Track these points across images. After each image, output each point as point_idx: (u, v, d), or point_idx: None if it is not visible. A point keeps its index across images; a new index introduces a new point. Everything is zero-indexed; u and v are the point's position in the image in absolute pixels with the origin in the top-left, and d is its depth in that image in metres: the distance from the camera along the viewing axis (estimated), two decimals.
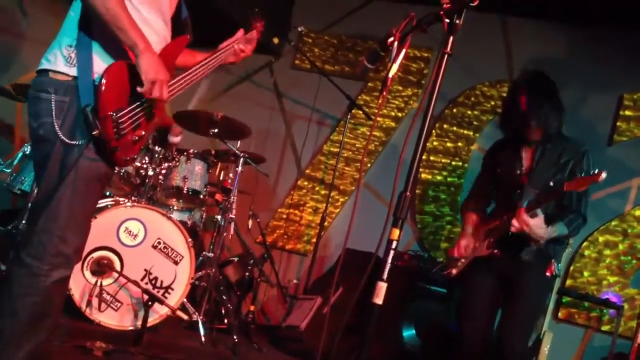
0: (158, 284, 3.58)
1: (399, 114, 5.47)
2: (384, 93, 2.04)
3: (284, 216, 5.59)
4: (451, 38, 1.91)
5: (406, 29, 2.05)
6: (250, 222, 4.72)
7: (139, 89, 2.02)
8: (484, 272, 3.17)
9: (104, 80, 1.94)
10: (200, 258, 4.21)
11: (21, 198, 4.29)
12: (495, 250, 3.11)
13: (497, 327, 3.21)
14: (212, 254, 4.13)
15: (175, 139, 3.94)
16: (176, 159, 4.16)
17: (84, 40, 2.02)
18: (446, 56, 1.91)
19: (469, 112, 5.26)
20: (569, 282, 4.64)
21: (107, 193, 4.01)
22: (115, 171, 3.71)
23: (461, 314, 3.33)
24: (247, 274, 4.63)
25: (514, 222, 2.93)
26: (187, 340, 3.65)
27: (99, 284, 3.35)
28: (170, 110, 4.52)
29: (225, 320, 3.95)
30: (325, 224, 4.97)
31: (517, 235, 2.96)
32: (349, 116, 4.94)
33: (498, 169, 3.31)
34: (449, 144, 5.27)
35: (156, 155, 4.00)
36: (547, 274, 3.09)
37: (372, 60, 2.23)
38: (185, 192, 4.22)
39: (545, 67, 3.21)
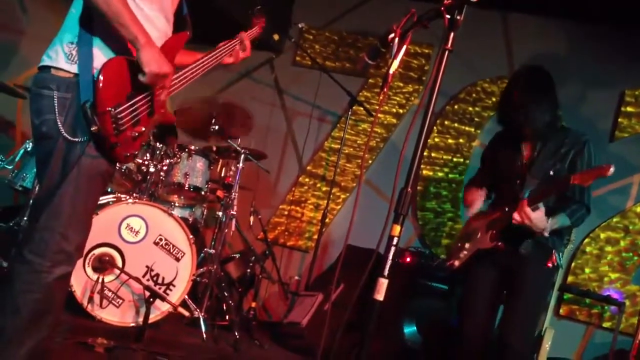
0: (159, 281, 3.58)
1: (400, 111, 5.47)
2: (385, 89, 2.03)
3: (285, 213, 5.59)
4: (452, 34, 1.91)
5: (407, 25, 2.04)
6: (251, 219, 4.72)
7: (140, 77, 2.02)
8: (486, 266, 3.16)
9: (101, 76, 1.94)
10: (202, 254, 4.22)
11: (23, 195, 4.30)
12: (499, 243, 3.10)
13: (499, 324, 3.21)
14: (214, 251, 4.14)
15: None
16: (177, 156, 4.16)
17: (85, 37, 2.02)
18: (447, 52, 1.91)
19: (470, 108, 5.26)
20: (570, 278, 4.64)
21: (109, 190, 4.01)
22: (117, 168, 3.72)
23: (462, 310, 3.33)
24: (248, 270, 4.64)
25: (515, 215, 2.92)
26: (189, 337, 3.65)
27: (100, 280, 3.35)
28: (171, 107, 4.52)
29: (227, 317, 3.96)
30: (327, 220, 4.98)
31: (519, 227, 2.95)
32: (349, 113, 4.94)
33: (498, 162, 3.29)
34: (450, 141, 5.26)
35: (157, 152, 4.00)
36: (549, 264, 3.09)
37: (373, 57, 2.23)
38: (186, 188, 4.22)
39: (546, 64, 3.20)
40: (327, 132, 5.65)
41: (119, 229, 3.48)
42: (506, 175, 3.23)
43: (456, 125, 5.27)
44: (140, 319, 3.38)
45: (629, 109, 4.80)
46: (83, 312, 3.31)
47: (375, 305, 1.86)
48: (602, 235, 4.65)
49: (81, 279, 3.34)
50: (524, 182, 3.07)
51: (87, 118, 1.93)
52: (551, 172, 3.04)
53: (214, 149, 4.52)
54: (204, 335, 3.60)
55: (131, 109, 2.04)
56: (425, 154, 5.27)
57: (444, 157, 5.25)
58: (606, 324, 4.48)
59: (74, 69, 2.00)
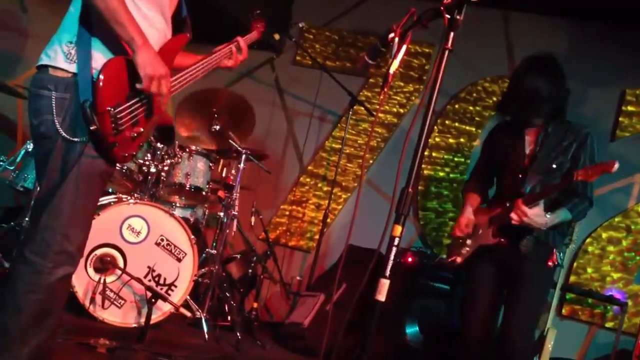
0: (161, 281, 3.58)
1: (401, 110, 5.47)
2: (385, 89, 2.03)
3: (287, 213, 5.59)
4: (452, 34, 1.90)
5: (407, 25, 2.04)
6: (252, 219, 4.72)
7: (137, 86, 2.02)
8: (488, 263, 3.14)
9: (101, 76, 1.94)
10: (203, 255, 4.22)
11: (24, 195, 4.31)
12: (502, 239, 3.08)
13: (500, 323, 3.20)
14: (215, 251, 4.14)
15: None
16: (178, 156, 4.16)
17: (85, 36, 2.02)
18: (447, 52, 1.90)
19: (471, 107, 5.26)
20: (572, 278, 4.63)
21: (110, 190, 4.01)
22: (117, 168, 3.72)
23: (463, 310, 3.31)
24: (250, 270, 4.64)
25: (513, 215, 2.90)
26: (191, 338, 3.65)
27: (102, 281, 3.35)
28: (172, 107, 4.52)
29: (229, 317, 3.96)
30: (328, 220, 4.98)
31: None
32: (350, 112, 4.94)
33: (499, 154, 3.26)
34: (451, 140, 5.26)
35: (158, 152, 4.00)
36: (549, 264, 3.08)
37: (373, 56, 2.23)
38: (187, 189, 4.22)
39: None
40: (327, 131, 5.65)
41: (120, 230, 3.48)
42: (507, 168, 3.20)
43: (457, 124, 5.27)
44: (142, 320, 3.38)
45: (629, 108, 4.80)
46: (85, 313, 3.32)
47: (377, 305, 1.86)
48: (604, 235, 4.64)
49: (83, 280, 3.34)
50: (525, 176, 3.06)
51: (86, 117, 1.93)
52: (554, 166, 3.02)
53: (215, 149, 4.52)
54: (206, 336, 3.60)
55: (130, 110, 2.04)
56: (426, 153, 5.26)
57: (445, 156, 5.25)
58: (609, 324, 4.47)
59: (72, 68, 2.00)
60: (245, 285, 4.64)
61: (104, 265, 3.40)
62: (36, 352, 2.00)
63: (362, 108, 4.98)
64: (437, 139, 5.30)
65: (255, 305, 4.44)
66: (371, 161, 5.43)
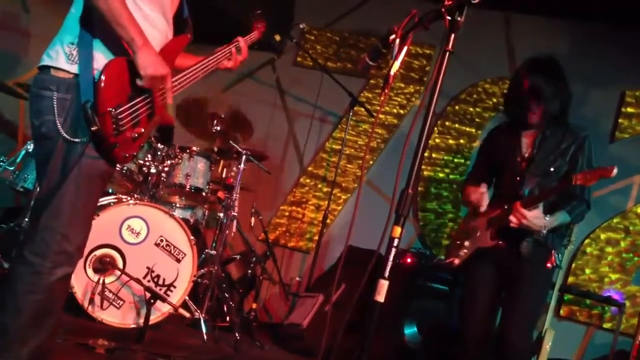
0: (160, 282, 3.58)
1: (401, 111, 5.47)
2: (386, 90, 2.03)
3: (286, 214, 5.59)
4: (452, 35, 1.90)
5: (408, 26, 2.04)
6: (252, 220, 4.72)
7: (138, 82, 2.03)
8: (486, 265, 3.15)
9: (102, 77, 1.94)
10: (203, 256, 4.22)
11: (24, 196, 4.30)
12: (500, 242, 3.09)
13: (498, 324, 3.20)
14: (215, 252, 4.14)
15: None
16: (179, 157, 4.16)
17: (86, 37, 2.02)
18: (447, 53, 1.91)
19: (471, 109, 5.26)
20: (570, 279, 4.63)
21: (110, 191, 4.01)
22: (117, 168, 3.72)
23: (462, 311, 3.32)
24: (249, 271, 4.64)
25: (512, 218, 2.91)
26: (190, 338, 3.65)
27: (101, 281, 3.35)
28: (172, 108, 4.51)
29: (228, 318, 3.96)
30: (328, 221, 4.98)
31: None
32: (351, 113, 4.94)
33: (497, 157, 3.27)
34: (451, 141, 5.27)
35: (159, 153, 4.01)
36: (548, 265, 3.08)
37: (374, 57, 2.23)
38: (187, 189, 4.22)
39: None
40: (328, 132, 5.65)
41: (119, 230, 3.49)
42: (505, 170, 3.20)
43: (457, 126, 5.28)
44: (141, 320, 3.38)
45: (629, 109, 4.80)
46: (84, 314, 3.32)
47: (376, 306, 1.86)
48: (603, 236, 4.64)
49: (82, 280, 3.34)
50: (523, 178, 3.06)
51: (88, 118, 1.94)
52: (552, 169, 3.03)
53: (216, 149, 4.53)
54: (205, 337, 3.60)
55: (131, 110, 2.04)
56: (426, 154, 5.27)
57: (445, 157, 5.25)
58: (606, 325, 4.47)
59: (74, 69, 2.01)
60: (244, 286, 4.64)
61: (103, 266, 3.40)
62: (35, 352, 2.00)
63: (363, 109, 4.99)
64: (437, 140, 5.30)
65: (254, 306, 4.43)
66: (371, 162, 5.44)
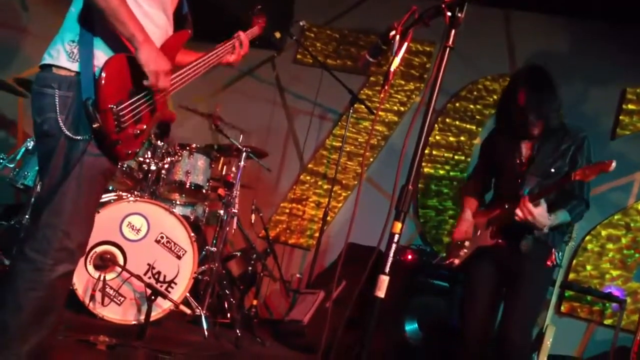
0: (161, 279, 3.58)
1: (402, 108, 5.47)
2: (386, 87, 2.03)
3: (287, 211, 5.59)
4: (453, 31, 1.90)
5: (408, 23, 2.04)
6: (253, 217, 4.72)
7: (144, 82, 2.03)
8: (487, 263, 3.16)
9: (103, 74, 1.94)
10: (203, 252, 4.22)
11: (24, 193, 4.31)
12: (500, 240, 3.09)
13: (499, 321, 3.20)
14: (215, 249, 4.14)
15: None
16: (179, 154, 4.16)
17: (86, 35, 2.03)
18: (448, 49, 1.90)
19: (472, 106, 5.26)
20: (571, 275, 4.64)
21: (110, 188, 4.01)
22: (118, 166, 3.72)
23: (463, 308, 3.32)
24: (250, 268, 4.64)
25: (518, 211, 2.91)
26: (190, 335, 3.66)
27: (102, 278, 3.36)
28: (172, 105, 4.52)
29: (228, 315, 3.96)
30: (328, 218, 4.98)
31: (520, 224, 2.94)
32: (351, 110, 4.94)
33: (497, 159, 3.28)
34: (451, 138, 5.26)
35: (159, 150, 4.01)
36: (548, 263, 3.08)
37: (374, 54, 2.23)
38: (187, 186, 4.22)
39: (548, 61, 3.18)
40: (328, 130, 5.65)
41: (120, 227, 3.48)
42: (505, 172, 3.22)
43: (457, 123, 5.27)
44: (142, 317, 3.39)
45: (630, 106, 4.80)
46: (85, 310, 3.32)
47: (377, 302, 1.86)
48: (604, 233, 4.64)
49: (83, 277, 3.34)
50: (524, 180, 3.07)
51: (89, 115, 1.94)
52: (552, 170, 3.03)
53: (216, 146, 4.52)
54: (206, 333, 3.61)
55: (133, 107, 2.04)
56: (426, 151, 5.27)
57: (446, 154, 5.25)
58: (607, 321, 4.48)
59: (75, 67, 2.01)
60: (245, 283, 4.64)
61: (104, 263, 3.40)
62: (36, 349, 2.00)
63: (363, 106, 4.99)
64: (437, 137, 5.30)
65: (255, 302, 4.44)
66: (371, 159, 5.44)
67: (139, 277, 3.42)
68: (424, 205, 5.21)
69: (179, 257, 3.64)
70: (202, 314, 3.68)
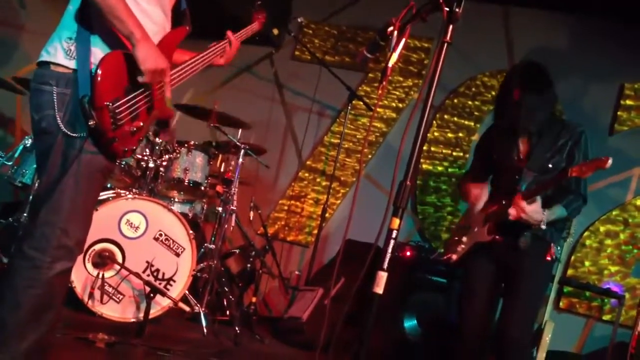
0: (160, 276, 3.58)
1: (400, 105, 5.46)
2: (384, 83, 2.03)
3: (285, 208, 5.59)
4: (451, 27, 1.90)
5: (406, 18, 2.03)
6: (251, 214, 4.72)
7: (139, 79, 2.02)
8: (485, 259, 3.15)
9: (99, 71, 1.93)
10: (202, 250, 4.22)
11: (22, 190, 4.30)
12: (497, 236, 3.09)
13: (498, 317, 3.21)
14: (214, 246, 4.14)
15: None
16: (177, 151, 4.16)
17: (84, 33, 2.02)
18: (446, 45, 1.90)
19: (470, 102, 5.26)
20: (570, 271, 4.64)
21: (108, 185, 4.01)
22: (116, 163, 3.71)
23: (461, 304, 3.32)
24: (248, 265, 4.64)
25: (511, 210, 2.91)
26: (189, 332, 3.66)
27: (100, 276, 3.35)
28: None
29: (227, 312, 3.96)
30: (327, 215, 4.98)
31: (517, 220, 2.94)
32: (349, 107, 4.93)
33: (494, 155, 3.28)
34: (449, 135, 5.26)
35: (157, 147, 4.00)
36: (547, 258, 3.08)
37: (372, 50, 2.22)
38: (186, 183, 4.22)
39: (546, 57, 3.18)
40: (326, 126, 5.65)
41: (118, 225, 3.48)
42: (503, 168, 3.21)
43: (456, 119, 5.27)
44: (141, 314, 3.39)
45: (628, 102, 4.80)
46: (83, 308, 3.32)
47: (375, 298, 1.86)
48: (602, 229, 4.65)
49: (81, 275, 3.34)
50: (521, 175, 3.06)
51: (85, 113, 1.93)
52: (550, 165, 3.03)
53: (214, 144, 4.52)
54: (205, 330, 3.61)
55: (129, 104, 2.03)
56: (424, 148, 5.27)
57: (444, 151, 5.25)
58: (606, 317, 4.49)
59: (72, 64, 2.00)
60: (243, 280, 4.64)
61: (103, 260, 3.40)
62: (35, 347, 2.00)
63: (361, 103, 4.98)
64: (435, 134, 5.30)
65: (253, 299, 4.44)
66: (370, 156, 5.44)
67: (137, 275, 3.42)
68: (423, 202, 5.21)
69: (177, 255, 3.64)
70: (201, 312, 3.68)
